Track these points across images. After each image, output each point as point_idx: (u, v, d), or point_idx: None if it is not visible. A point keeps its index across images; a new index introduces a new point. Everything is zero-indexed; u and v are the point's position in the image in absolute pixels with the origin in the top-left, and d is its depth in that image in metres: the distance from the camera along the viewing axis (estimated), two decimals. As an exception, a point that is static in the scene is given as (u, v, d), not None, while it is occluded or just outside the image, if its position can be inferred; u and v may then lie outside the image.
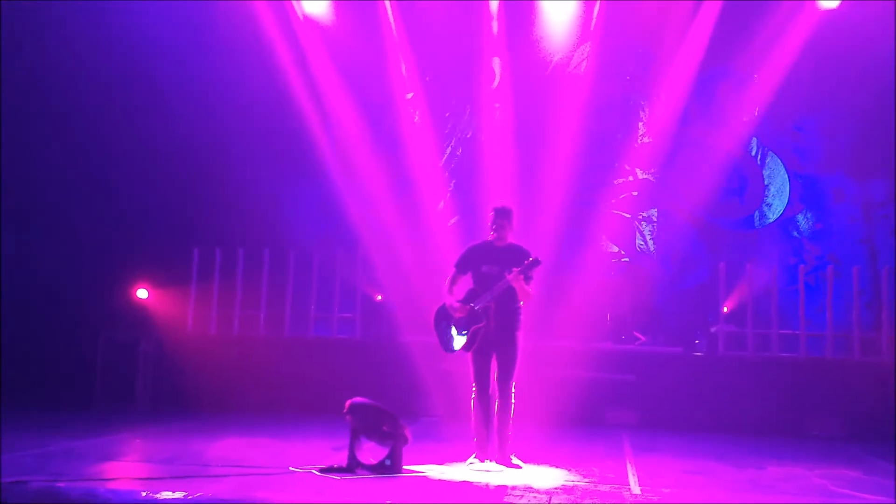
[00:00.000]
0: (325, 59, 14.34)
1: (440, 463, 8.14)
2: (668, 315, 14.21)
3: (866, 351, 12.30)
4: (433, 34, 14.27)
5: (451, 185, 14.99)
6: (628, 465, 8.55)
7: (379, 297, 13.77)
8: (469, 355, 8.17)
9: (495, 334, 8.05)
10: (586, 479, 7.69)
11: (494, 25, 14.22)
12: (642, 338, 13.25)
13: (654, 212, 14.90)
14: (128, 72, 13.63)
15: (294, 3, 14.18)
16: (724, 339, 12.48)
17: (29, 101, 13.37)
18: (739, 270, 12.96)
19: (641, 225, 14.84)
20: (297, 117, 14.16)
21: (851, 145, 14.39)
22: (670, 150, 14.49)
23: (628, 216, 14.80)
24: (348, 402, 7.78)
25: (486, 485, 7.32)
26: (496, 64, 14.57)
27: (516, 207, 8.47)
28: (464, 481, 7.42)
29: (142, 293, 13.17)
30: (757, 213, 14.69)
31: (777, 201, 14.64)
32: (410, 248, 13.95)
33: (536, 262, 7.92)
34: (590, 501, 6.76)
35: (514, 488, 7.17)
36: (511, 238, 8.30)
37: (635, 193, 14.79)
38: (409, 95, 14.65)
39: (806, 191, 14.56)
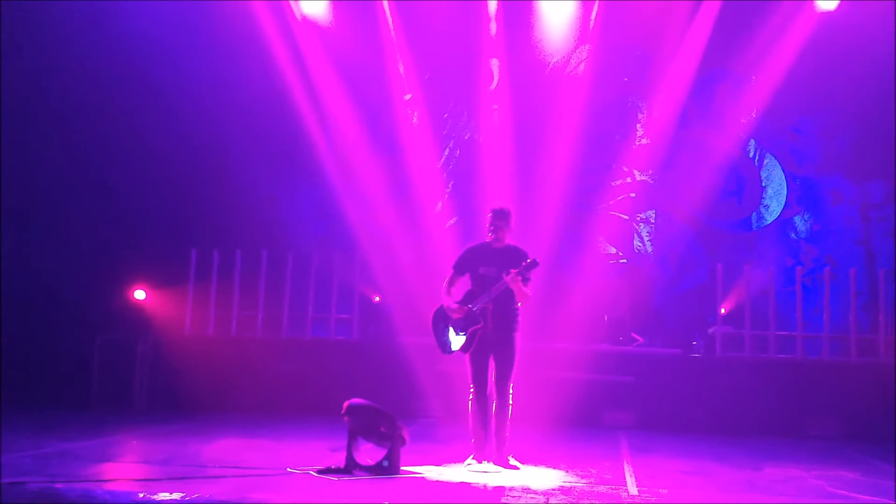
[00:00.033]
0: (323, 60, 14.36)
1: (438, 464, 8.14)
2: (665, 316, 14.22)
3: (863, 352, 12.32)
4: (431, 35, 14.28)
5: (450, 186, 14.99)
6: (626, 466, 8.55)
7: (377, 299, 13.79)
8: (467, 356, 8.18)
9: (493, 336, 8.05)
10: (584, 480, 7.70)
11: (493, 27, 14.24)
12: (640, 339, 13.26)
13: (651, 213, 14.91)
14: (126, 72, 13.65)
15: (292, 3, 14.20)
16: (721, 341, 12.49)
17: (27, 101, 13.39)
18: (737, 272, 12.98)
19: (639, 226, 14.84)
20: (295, 118, 14.18)
21: (849, 147, 14.41)
22: (668, 152, 14.50)
23: (626, 218, 14.80)
24: (346, 404, 7.78)
25: (484, 486, 7.33)
26: (494, 65, 14.58)
27: (514, 209, 8.47)
28: (461, 482, 7.43)
29: (139, 294, 13.17)
30: (754, 215, 14.69)
31: (774, 203, 14.65)
32: (408, 250, 13.97)
33: (534, 264, 7.93)
34: (587, 502, 6.76)
35: (511, 489, 7.18)
36: (509, 239, 8.30)
37: (633, 195, 14.79)
38: (408, 97, 14.66)
39: (803, 192, 14.57)
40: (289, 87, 14.13)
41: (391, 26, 14.32)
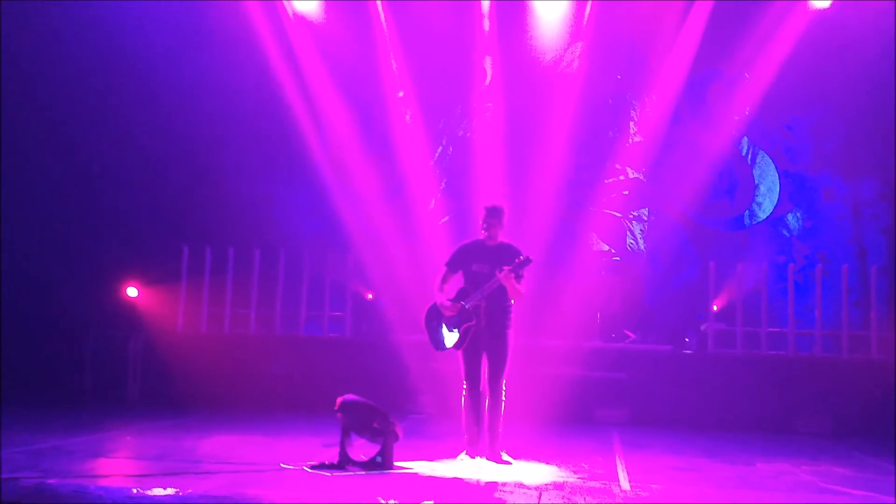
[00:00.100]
0: (315, 58, 14.36)
1: (431, 459, 8.15)
2: (658, 313, 14.24)
3: (855, 349, 12.36)
4: (424, 32, 14.28)
5: (443, 183, 15.00)
6: (618, 462, 8.58)
7: (370, 296, 13.79)
8: (460, 353, 8.20)
9: (486, 333, 8.08)
10: (576, 476, 7.72)
11: (486, 24, 14.24)
12: (632, 336, 13.29)
13: (644, 211, 14.93)
14: (120, 71, 13.64)
15: (285, 1, 14.18)
16: (713, 337, 12.52)
17: (21, 100, 13.34)
18: (729, 269, 13.00)
19: (632, 224, 14.87)
20: (287, 115, 14.19)
21: (841, 145, 14.45)
22: (661, 150, 14.52)
23: (619, 215, 14.82)
24: (339, 400, 7.80)
25: (477, 481, 7.34)
26: (488, 62, 14.58)
27: (508, 206, 8.49)
28: (455, 478, 7.44)
29: (132, 291, 13.17)
30: (747, 213, 14.73)
31: (767, 200, 14.68)
32: (401, 247, 13.97)
33: (527, 261, 7.95)
34: (580, 497, 6.78)
35: (504, 484, 7.20)
36: (502, 237, 8.33)
37: (626, 192, 14.81)
38: (401, 94, 14.66)
39: (796, 190, 14.61)
40: (281, 85, 14.14)
41: (384, 23, 14.32)
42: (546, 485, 7.24)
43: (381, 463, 7.57)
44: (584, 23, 14.16)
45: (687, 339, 13.03)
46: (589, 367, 12.06)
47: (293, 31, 14.26)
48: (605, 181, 14.72)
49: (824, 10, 13.35)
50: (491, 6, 14.18)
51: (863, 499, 7.21)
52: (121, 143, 13.84)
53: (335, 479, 7.20)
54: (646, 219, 14.89)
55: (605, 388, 12.05)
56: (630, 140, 14.85)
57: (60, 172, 13.67)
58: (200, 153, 14.00)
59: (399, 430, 7.75)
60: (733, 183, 14.74)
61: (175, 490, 6.44)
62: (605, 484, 7.41)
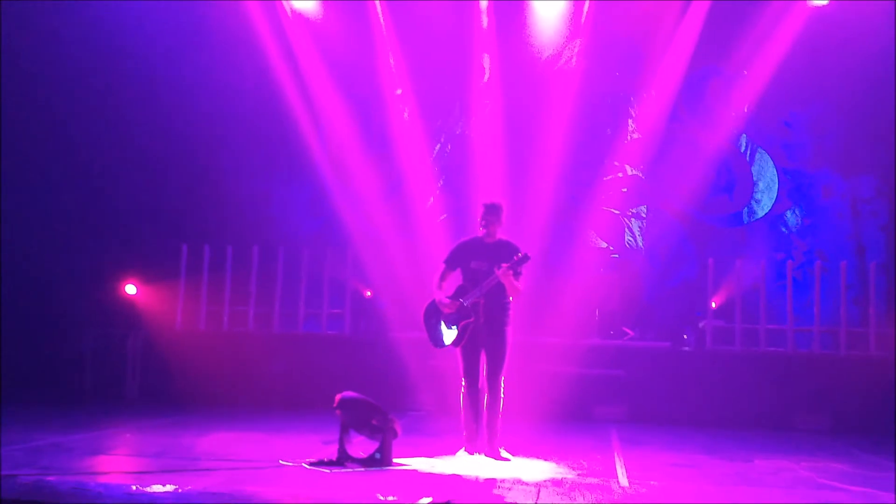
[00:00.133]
0: (314, 56, 14.36)
1: (430, 456, 8.15)
2: (656, 310, 14.26)
3: (853, 346, 12.36)
4: (423, 30, 14.28)
5: (441, 181, 15.00)
6: (616, 459, 8.58)
7: (369, 294, 13.80)
8: (458, 350, 8.20)
9: (485, 330, 8.08)
10: (575, 472, 7.73)
11: (484, 21, 14.24)
12: (631, 333, 13.30)
13: (643, 208, 14.94)
14: (118, 69, 13.64)
15: (283, 0, 14.16)
16: (712, 334, 12.52)
17: (20, 99, 13.33)
18: (728, 266, 13.00)
19: (631, 221, 14.87)
20: (286, 113, 14.19)
21: (840, 142, 14.45)
22: (660, 147, 14.52)
23: (617, 212, 14.83)
24: (338, 397, 7.81)
25: (476, 478, 7.34)
26: (486, 60, 14.57)
27: (506, 203, 8.50)
28: (453, 474, 7.44)
29: (130, 289, 13.17)
30: (746, 210, 14.73)
31: (766, 197, 14.69)
32: (400, 245, 13.97)
33: (526, 258, 7.96)
34: (578, 494, 6.78)
35: (503, 481, 7.20)
36: (501, 234, 8.33)
37: (625, 190, 14.81)
38: (399, 91, 14.66)
39: (794, 187, 14.62)
40: (280, 83, 14.14)
41: (382, 21, 14.31)
42: (545, 481, 7.24)
43: (379, 460, 7.58)
44: (583, 20, 14.15)
45: (685, 336, 13.03)
46: (587, 365, 12.07)
47: (291, 30, 14.25)
48: (604, 178, 14.72)
49: (822, 7, 13.34)
50: (489, 4, 14.18)
51: (861, 495, 7.21)
52: (119, 141, 13.85)
53: (334, 475, 7.21)
54: (644, 216, 14.90)
55: (603, 385, 12.07)
56: (628, 137, 14.86)
57: (59, 171, 13.67)
58: (199, 151, 14.01)
59: (398, 427, 7.77)
60: (732, 180, 14.75)
61: (174, 487, 6.44)
62: (603, 480, 7.41)
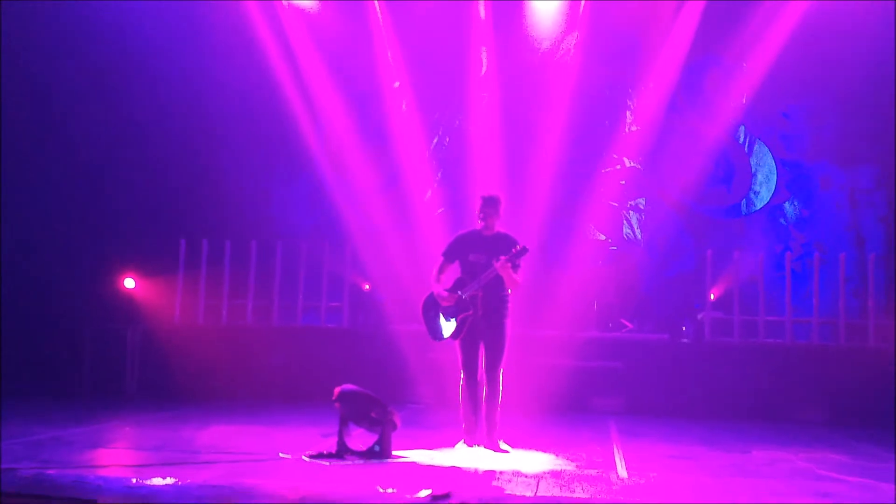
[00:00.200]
0: (311, 49, 14.34)
1: (429, 449, 8.18)
2: (655, 302, 14.27)
3: (852, 337, 12.38)
4: (420, 22, 14.26)
5: (439, 174, 14.99)
6: (615, 450, 8.60)
7: (367, 287, 13.80)
8: (457, 343, 8.22)
9: (483, 322, 8.09)
10: (574, 464, 7.74)
11: (482, 12, 14.22)
12: (629, 325, 13.31)
13: (641, 200, 14.94)
14: (117, 63, 13.61)
15: (279, -9, 14.18)
16: (710, 326, 12.53)
17: (18, 94, 13.31)
18: (726, 258, 13.01)
19: (629, 213, 14.88)
20: (284, 107, 14.17)
21: (838, 132, 14.44)
22: (658, 139, 14.51)
23: (616, 205, 14.83)
24: (337, 390, 7.82)
25: (475, 470, 7.35)
26: (483, 53, 14.56)
27: (504, 196, 8.50)
28: (452, 466, 7.45)
29: (129, 283, 13.18)
30: (744, 201, 14.73)
31: (764, 189, 14.69)
32: (398, 238, 13.96)
33: (524, 251, 7.96)
34: (577, 485, 6.80)
35: (502, 473, 7.21)
36: (499, 226, 8.34)
37: (623, 182, 14.81)
38: (397, 84, 14.65)
39: (793, 178, 14.62)
40: (277, 77, 14.11)
41: (379, 14, 14.30)
42: (544, 473, 7.25)
43: (379, 452, 7.59)
44: (580, 12, 14.14)
45: (684, 328, 13.04)
46: (586, 357, 12.08)
47: (288, 23, 14.23)
48: (602, 171, 14.71)
49: (821, -2, 13.35)
50: (487, -4, 14.18)
51: (859, 486, 7.22)
52: (117, 137, 13.83)
53: (333, 468, 7.22)
54: (643, 208, 14.90)
55: (601, 377, 12.08)
56: (627, 129, 14.84)
57: (58, 167, 13.65)
58: (197, 146, 14.01)
59: (397, 420, 7.78)
60: (730, 171, 14.75)
61: (174, 480, 6.45)
62: (602, 472, 7.43)
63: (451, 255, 8.43)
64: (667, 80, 14.25)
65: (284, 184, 15.08)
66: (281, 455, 7.64)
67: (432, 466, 7.45)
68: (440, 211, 14.52)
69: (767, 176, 14.67)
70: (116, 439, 9.05)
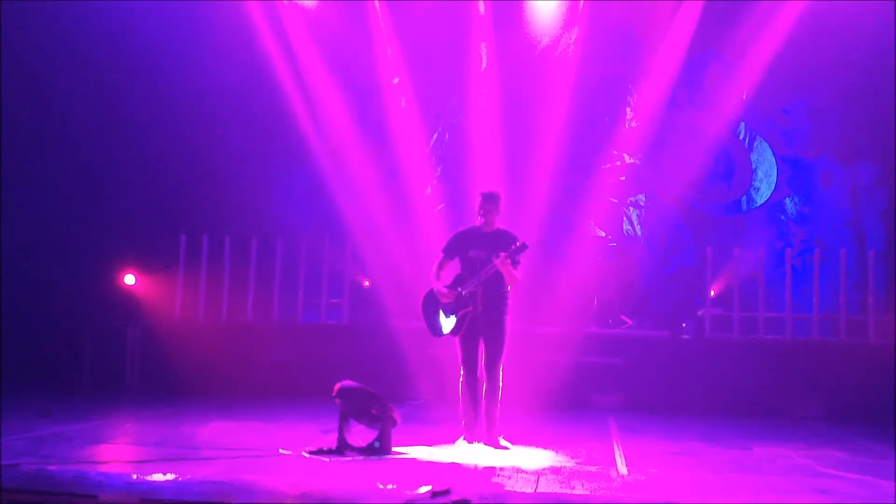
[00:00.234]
0: (310, 45, 14.33)
1: (429, 445, 8.17)
2: (655, 299, 14.26)
3: (852, 333, 12.38)
4: (420, 18, 14.25)
5: (439, 170, 15.00)
6: (615, 447, 8.60)
7: (367, 283, 13.80)
8: (457, 340, 8.22)
9: (483, 319, 8.09)
10: (574, 460, 7.75)
11: (481, 7, 14.22)
12: (629, 321, 13.31)
13: (641, 196, 14.94)
14: (116, 60, 13.60)
15: (279, -11, 14.16)
16: (710, 322, 12.54)
17: (17, 91, 13.30)
18: (727, 254, 13.01)
19: (629, 210, 14.88)
20: (283, 103, 14.16)
21: (839, 129, 14.43)
22: (658, 135, 14.50)
23: (616, 201, 14.83)
24: (337, 386, 7.83)
25: (475, 466, 7.36)
26: (483, 48, 14.55)
27: (504, 192, 8.51)
28: (452, 463, 7.46)
29: (129, 279, 13.18)
30: (744, 198, 14.74)
31: (764, 185, 14.69)
32: (398, 234, 13.95)
33: (524, 247, 7.96)
34: (577, 482, 6.80)
35: (502, 469, 7.21)
36: (499, 223, 8.34)
37: (623, 178, 14.81)
38: (396, 80, 14.64)
39: (793, 175, 14.61)
40: (276, 73, 14.10)
41: (379, 10, 14.29)
42: (544, 469, 7.26)
43: (379, 448, 7.61)
44: (580, 7, 14.13)
45: (684, 325, 13.03)
46: (585, 353, 12.07)
47: (288, 18, 14.21)
48: (602, 167, 14.71)
49: (821, -6, 13.33)
50: (487, -9, 14.17)
51: (859, 482, 7.22)
52: (117, 132, 13.82)
53: (333, 464, 7.23)
54: (643, 204, 14.90)
55: (601, 373, 12.08)
56: (627, 125, 14.84)
57: (58, 163, 13.65)
58: (197, 141, 14.00)
59: (397, 416, 7.79)
60: (730, 168, 14.75)
61: (174, 475, 6.46)
62: (602, 468, 7.43)
63: (450, 251, 8.43)
64: (667, 75, 14.23)
65: (284, 180, 15.09)
66: (281, 451, 7.65)
67: (432, 463, 7.45)
68: (440, 207, 14.52)
69: (768, 172, 14.67)
70: (117, 435, 9.07)
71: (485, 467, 7.32)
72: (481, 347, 8.15)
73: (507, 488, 6.51)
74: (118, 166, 13.84)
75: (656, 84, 14.34)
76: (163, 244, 13.30)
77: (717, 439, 9.45)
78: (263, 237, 13.36)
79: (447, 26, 14.28)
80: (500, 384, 8.17)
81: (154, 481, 6.31)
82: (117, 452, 7.94)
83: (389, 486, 6.33)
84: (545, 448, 8.30)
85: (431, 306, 8.29)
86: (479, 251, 8.17)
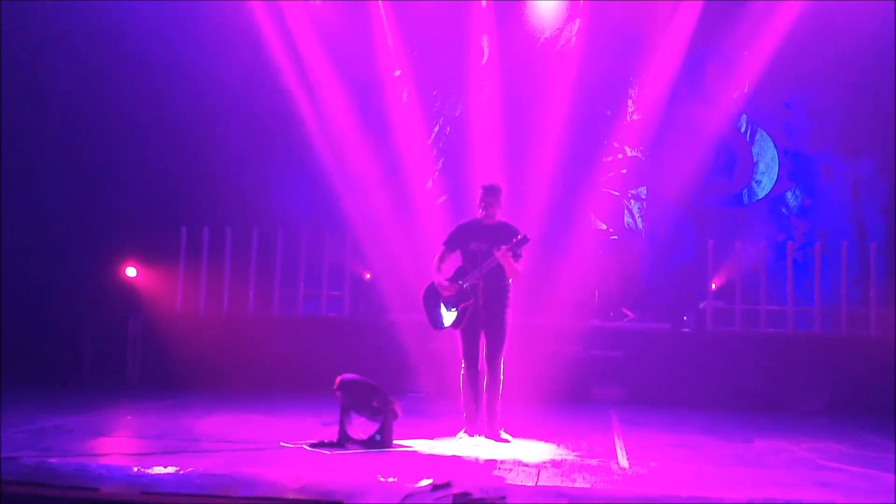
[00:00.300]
0: (312, 38, 14.29)
1: (430, 438, 8.18)
2: (656, 292, 14.26)
3: (854, 326, 12.38)
4: (421, 10, 14.22)
5: (440, 163, 14.99)
6: (616, 440, 8.60)
7: (368, 276, 13.80)
8: (458, 333, 8.21)
9: (484, 312, 8.07)
10: (575, 453, 7.75)
11: (483, 0, 14.19)
12: (630, 314, 13.31)
13: (643, 189, 14.93)
14: (115, 53, 13.56)
15: (280, -18, 14.12)
16: (712, 315, 12.53)
17: (17, 86, 13.28)
18: (728, 247, 13.00)
19: (630, 203, 14.87)
20: (284, 96, 14.14)
21: (840, 122, 14.42)
22: (660, 128, 14.49)
23: (617, 194, 14.82)
24: (338, 379, 7.83)
25: (476, 459, 7.36)
26: (485, 41, 14.52)
27: (505, 185, 8.49)
28: (453, 455, 7.46)
29: (130, 271, 13.17)
30: (746, 191, 14.73)
31: (766, 178, 14.68)
32: (399, 227, 13.94)
33: (525, 240, 7.95)
34: (578, 475, 6.80)
35: (503, 462, 7.22)
36: (500, 216, 8.33)
37: (624, 171, 14.81)
38: (397, 73, 14.61)
39: (795, 168, 14.61)
40: (278, 65, 14.08)
41: (380, 2, 14.26)
42: (545, 462, 7.26)
43: (380, 441, 7.60)
44: (582, 0, 14.10)
45: (685, 318, 13.03)
46: (587, 346, 12.06)
47: (289, 11, 14.18)
48: (603, 160, 14.70)
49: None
50: (488, -16, 14.14)
51: (860, 476, 7.21)
52: (118, 125, 13.79)
53: (334, 457, 7.23)
54: (644, 197, 14.90)
55: (603, 366, 12.06)
56: (628, 118, 14.83)
57: (59, 156, 13.63)
58: (198, 134, 13.99)
59: (398, 409, 7.78)
60: (732, 161, 14.73)
61: (175, 468, 6.46)
62: (603, 461, 7.43)
63: (451, 244, 8.42)
64: (668, 69, 14.20)
65: (285, 172, 15.06)
66: (282, 444, 7.65)
67: (433, 456, 7.46)
68: (441, 200, 14.51)
69: (769, 165, 14.66)
70: (118, 428, 9.08)
71: (486, 460, 7.32)
72: (482, 340, 8.14)
73: (508, 481, 6.51)
74: (118, 165, 13.80)
75: (658, 77, 14.32)
76: (164, 236, 13.28)
77: (719, 432, 9.45)
78: (264, 230, 13.35)
79: (449, 19, 14.25)
80: (502, 377, 8.17)
81: (155, 474, 6.32)
82: (118, 445, 7.94)
83: (390, 479, 6.33)
84: (546, 441, 8.30)
85: (432, 299, 8.29)
86: (480, 244, 8.16)
